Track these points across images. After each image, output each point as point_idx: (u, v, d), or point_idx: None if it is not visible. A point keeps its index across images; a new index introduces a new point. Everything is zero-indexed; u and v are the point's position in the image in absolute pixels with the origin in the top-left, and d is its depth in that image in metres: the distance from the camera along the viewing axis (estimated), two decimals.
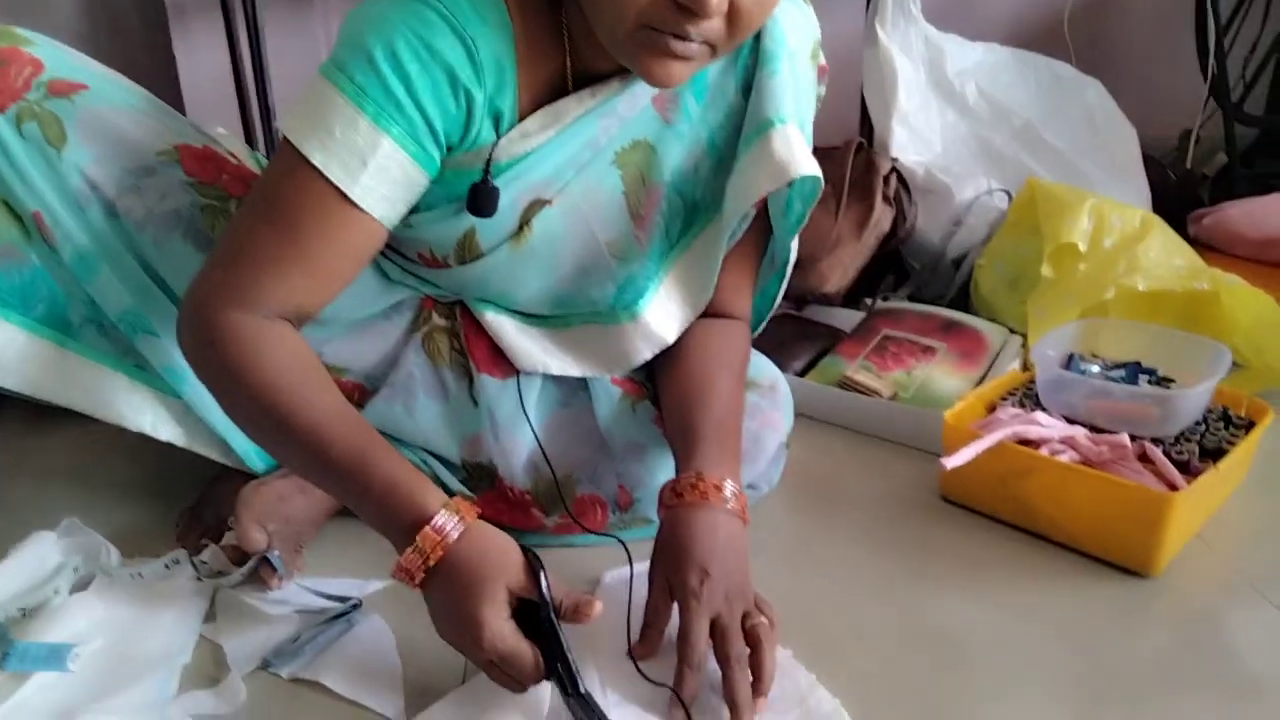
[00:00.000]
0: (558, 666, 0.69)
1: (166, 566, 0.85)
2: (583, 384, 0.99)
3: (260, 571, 0.85)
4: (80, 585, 0.84)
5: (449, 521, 0.70)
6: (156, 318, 0.89)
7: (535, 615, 0.69)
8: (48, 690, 0.73)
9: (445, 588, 0.70)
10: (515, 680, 0.70)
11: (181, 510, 0.97)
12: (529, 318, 0.98)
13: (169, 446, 0.93)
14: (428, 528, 0.70)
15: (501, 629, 0.68)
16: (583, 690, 0.69)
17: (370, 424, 0.76)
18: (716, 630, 0.75)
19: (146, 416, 0.92)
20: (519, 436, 0.96)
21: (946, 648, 0.81)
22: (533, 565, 0.71)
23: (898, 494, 1.06)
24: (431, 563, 0.69)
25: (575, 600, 0.71)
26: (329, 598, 0.85)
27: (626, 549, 0.87)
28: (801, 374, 1.26)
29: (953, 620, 0.85)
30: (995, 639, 0.82)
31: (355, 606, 0.84)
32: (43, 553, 0.85)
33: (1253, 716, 0.74)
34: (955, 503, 1.03)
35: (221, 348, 0.74)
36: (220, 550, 0.87)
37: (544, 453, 0.95)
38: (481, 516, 0.96)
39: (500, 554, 0.71)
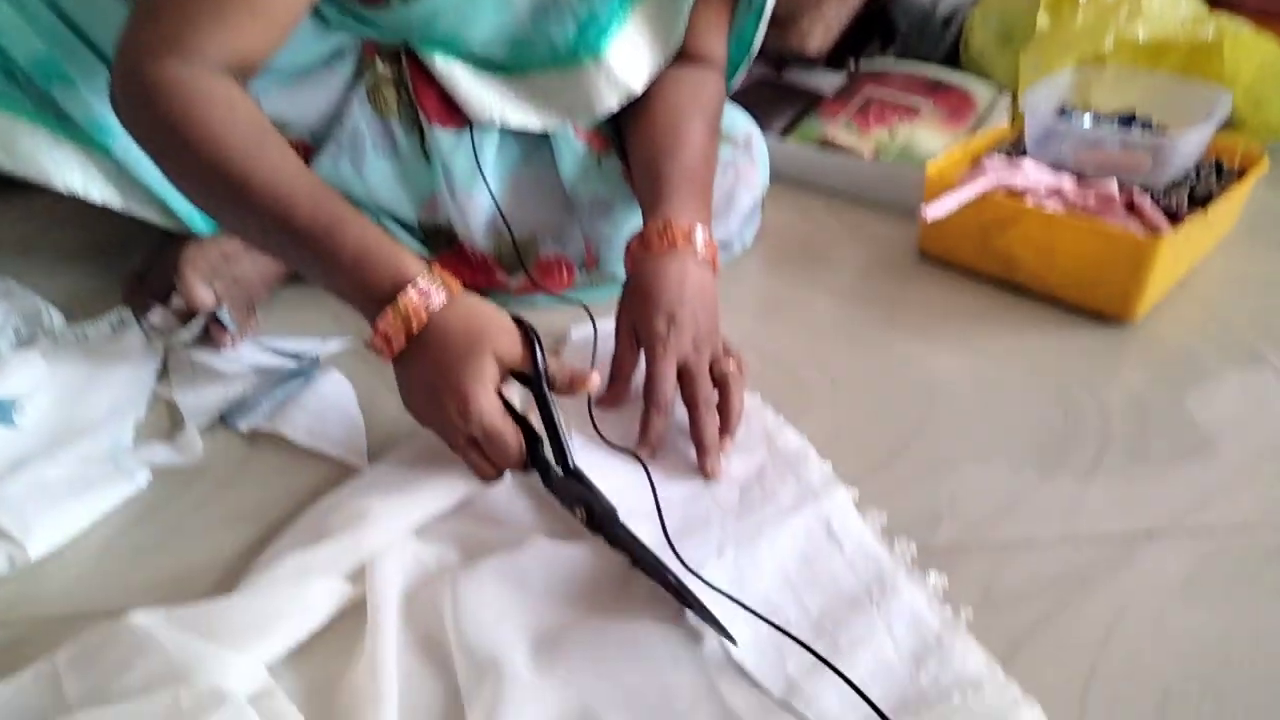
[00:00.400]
0: (540, 451, 0.64)
1: (112, 327, 0.82)
2: (545, 139, 0.92)
3: (211, 330, 0.82)
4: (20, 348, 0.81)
5: (431, 285, 0.64)
6: (73, 65, 0.81)
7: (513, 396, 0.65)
8: None
9: (426, 357, 0.63)
10: (491, 465, 0.65)
11: (126, 274, 0.93)
12: (483, 64, 0.90)
13: (114, 215, 0.87)
14: (410, 289, 0.63)
15: (490, 403, 0.62)
16: (572, 466, 0.64)
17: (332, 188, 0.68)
18: (684, 375, 0.73)
19: (75, 175, 0.85)
20: (477, 196, 0.90)
21: (919, 394, 0.80)
22: (527, 334, 0.65)
23: (876, 254, 1.03)
24: (414, 328, 0.63)
25: (570, 373, 0.67)
26: (285, 355, 0.82)
27: (589, 312, 0.84)
28: (781, 137, 1.20)
29: (927, 369, 0.83)
30: (969, 387, 0.81)
31: (313, 363, 0.81)
32: None
33: (1216, 462, 0.73)
34: (934, 259, 1.00)
35: (164, 106, 0.64)
36: (169, 312, 0.84)
37: (502, 214, 0.90)
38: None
39: (490, 322, 0.64)
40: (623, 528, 0.61)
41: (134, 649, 0.49)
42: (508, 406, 0.64)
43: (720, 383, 0.73)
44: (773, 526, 0.65)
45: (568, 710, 0.51)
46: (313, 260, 0.66)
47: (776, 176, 1.12)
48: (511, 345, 0.64)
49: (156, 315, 0.83)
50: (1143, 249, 0.84)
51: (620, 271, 0.91)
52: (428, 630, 0.56)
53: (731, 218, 0.97)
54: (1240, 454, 0.73)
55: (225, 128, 0.65)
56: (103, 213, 0.87)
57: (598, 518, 0.62)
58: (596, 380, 0.67)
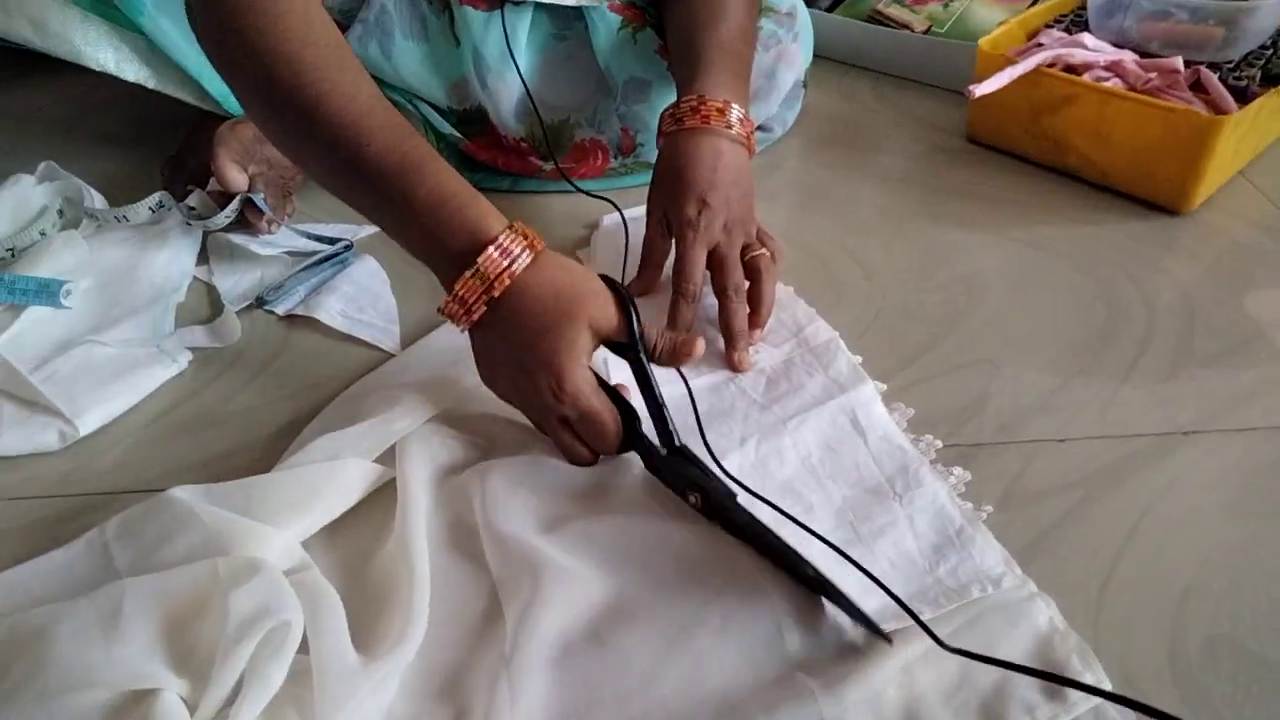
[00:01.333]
0: (639, 429, 0.58)
1: (151, 210, 0.83)
2: (578, 13, 0.89)
3: (246, 214, 0.82)
4: (65, 230, 0.83)
5: (516, 244, 0.56)
6: None
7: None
8: (43, 325, 0.73)
9: (511, 326, 0.57)
10: (586, 448, 0.60)
11: (165, 158, 0.93)
12: None
13: (153, 99, 0.87)
14: (491, 248, 0.56)
15: (586, 380, 0.57)
16: (678, 444, 0.58)
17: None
18: (714, 261, 0.72)
19: (108, 53, 0.85)
20: (509, 79, 0.88)
21: (957, 288, 0.78)
22: (621, 297, 0.58)
23: (923, 138, 0.99)
24: (496, 292, 0.56)
25: (671, 341, 0.61)
26: (321, 239, 0.83)
27: (618, 208, 0.82)
28: (828, 12, 1.14)
29: (968, 261, 0.81)
30: (1009, 280, 0.79)
31: (348, 248, 0.82)
32: (23, 194, 0.83)
33: (1261, 362, 0.71)
34: (984, 143, 0.96)
35: (239, 18, 0.58)
36: (206, 195, 0.84)
37: (531, 99, 0.88)
38: (476, 160, 0.94)
39: (582, 285, 0.58)
40: (744, 511, 0.54)
41: (175, 522, 0.51)
42: (600, 380, 0.58)
43: (752, 270, 0.72)
44: (797, 417, 0.65)
45: (606, 597, 0.52)
46: (383, 204, 0.59)
47: (821, 54, 1.08)
48: (606, 311, 0.58)
49: (194, 198, 0.84)
50: (1203, 129, 0.79)
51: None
52: (458, 514, 0.58)
53: (772, 98, 0.94)
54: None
55: (301, 43, 0.58)
56: (141, 95, 0.87)
57: (714, 502, 0.55)
58: (702, 345, 0.61)
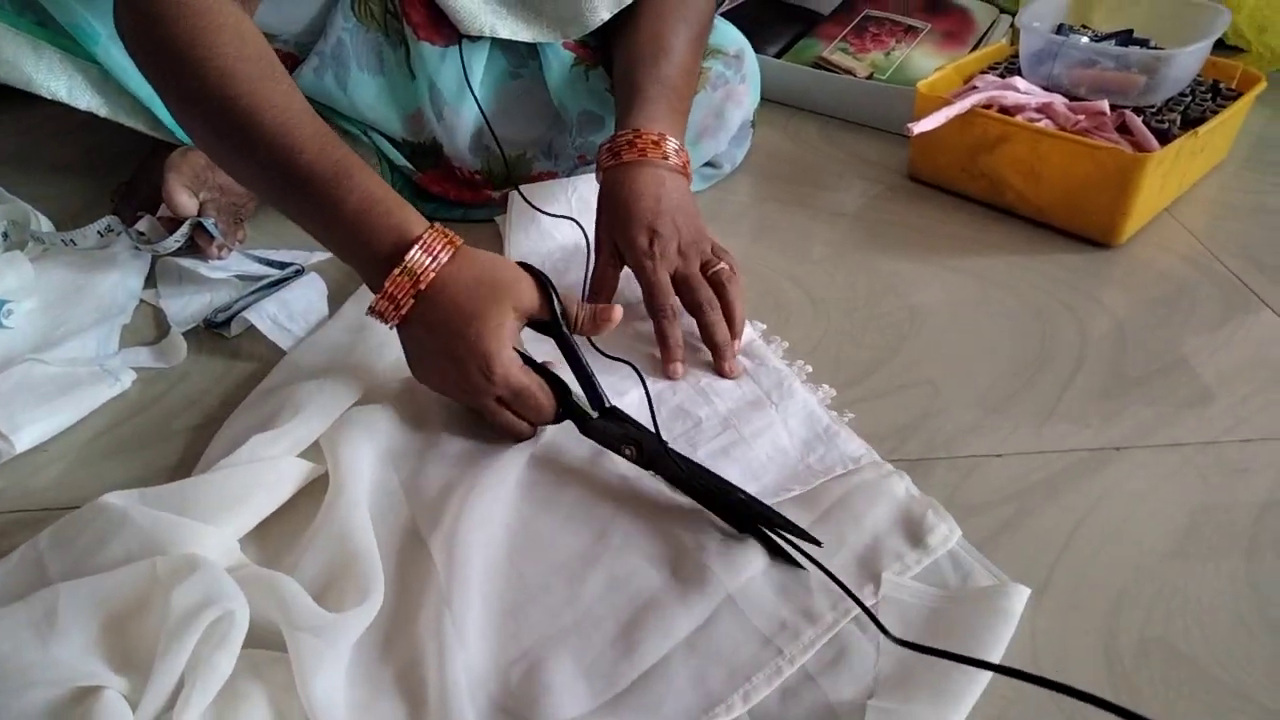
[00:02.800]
0: (571, 398, 0.62)
1: (100, 234, 0.82)
2: (532, 51, 0.92)
3: (197, 239, 0.82)
4: (10, 252, 0.82)
5: (437, 242, 0.60)
6: None
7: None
8: None
9: (438, 318, 0.59)
10: (522, 423, 0.63)
11: (116, 185, 0.93)
12: None
13: (106, 129, 0.87)
14: (415, 248, 0.59)
15: (513, 360, 0.60)
16: (608, 405, 0.62)
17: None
18: (678, 283, 0.73)
19: (60, 82, 0.85)
20: (464, 112, 0.90)
21: (900, 315, 0.80)
22: (541, 280, 0.62)
23: (866, 176, 1.03)
24: (422, 286, 0.59)
25: (590, 310, 0.65)
26: (272, 264, 0.83)
27: (582, 227, 0.84)
28: (776, 58, 1.18)
29: (910, 290, 0.83)
30: (950, 307, 0.81)
31: (299, 272, 0.82)
32: None
33: (1190, 384, 0.74)
34: (924, 182, 1.00)
35: (170, 28, 0.61)
36: (156, 221, 0.84)
37: (493, 132, 0.89)
38: (428, 192, 0.95)
39: (502, 272, 0.61)
40: (678, 456, 0.59)
41: (109, 527, 0.50)
42: (526, 359, 0.62)
43: (716, 285, 0.74)
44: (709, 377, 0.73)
45: (518, 529, 0.58)
46: (313, 209, 0.61)
47: (769, 98, 1.11)
48: (528, 294, 0.61)
49: (144, 223, 0.83)
50: (1128, 166, 0.83)
51: None
52: (390, 493, 0.60)
53: (721, 135, 0.96)
54: (1213, 376, 0.73)
55: (233, 57, 0.61)
56: (95, 125, 0.87)
57: (648, 452, 0.60)
58: (619, 312, 0.65)
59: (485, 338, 0.59)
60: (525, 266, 0.63)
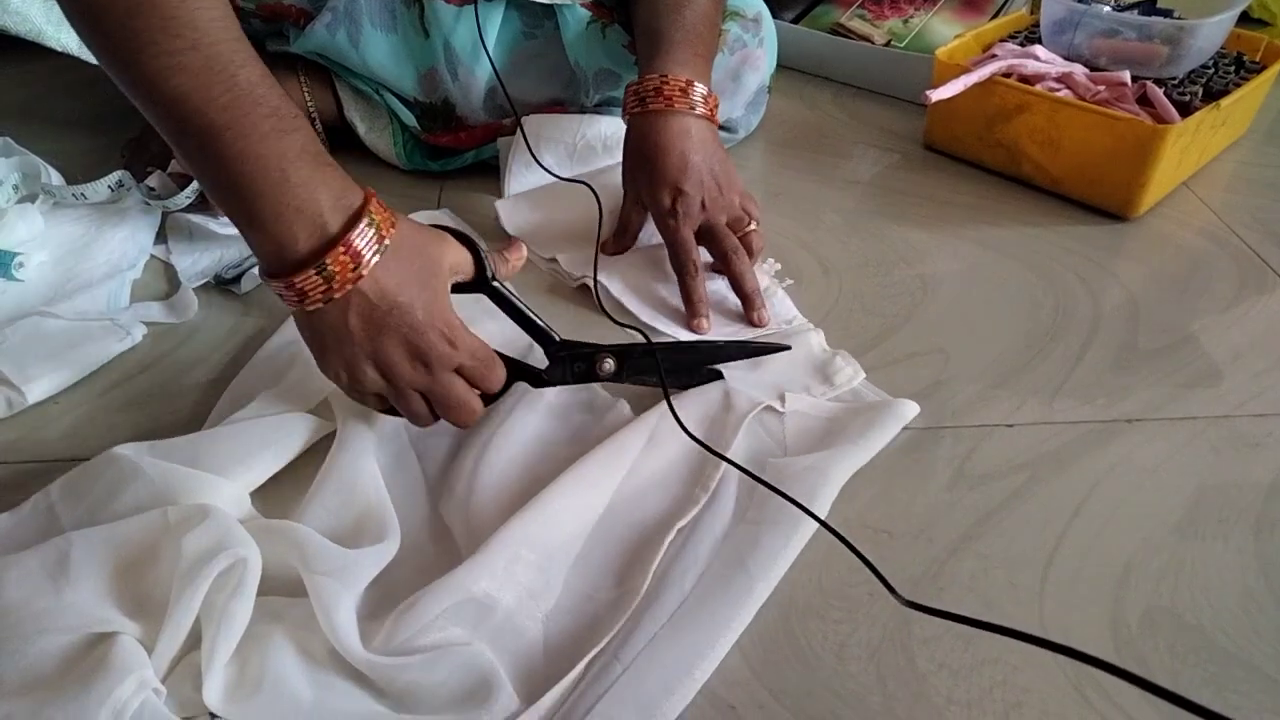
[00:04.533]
0: (514, 361, 0.60)
1: (110, 189, 0.82)
2: (548, 11, 0.90)
3: (207, 196, 0.81)
4: (21, 204, 0.82)
5: (364, 240, 0.51)
6: None
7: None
8: None
9: (386, 295, 0.52)
10: (474, 398, 0.58)
11: (126, 140, 0.93)
12: None
13: (113, 83, 0.86)
14: (362, 221, 0.51)
15: (458, 323, 0.56)
16: (559, 340, 0.62)
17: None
18: (704, 237, 0.74)
19: (70, 35, 0.84)
20: (479, 72, 0.89)
21: (912, 284, 0.80)
22: (467, 240, 0.58)
23: (882, 145, 1.01)
24: (387, 240, 0.51)
25: (498, 253, 0.65)
26: None
27: (592, 188, 0.83)
28: (793, 23, 1.17)
29: (923, 260, 0.83)
30: (962, 277, 0.81)
31: None
32: None
33: (1203, 357, 0.73)
34: (940, 151, 0.99)
35: None
36: (167, 177, 0.84)
37: (506, 92, 0.89)
38: (438, 146, 0.94)
39: (434, 244, 0.56)
40: (654, 348, 0.63)
41: (120, 478, 0.50)
42: None
43: (746, 242, 0.75)
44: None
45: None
46: (213, 165, 0.49)
47: (785, 64, 1.10)
48: (460, 257, 0.58)
49: (154, 179, 0.83)
50: (1148, 138, 0.82)
51: None
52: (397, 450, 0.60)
53: (737, 100, 0.95)
54: (1227, 351, 0.73)
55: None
56: (105, 81, 0.86)
57: (627, 357, 0.62)
58: (524, 248, 0.70)
59: (443, 307, 0.55)
60: (446, 229, 0.58)
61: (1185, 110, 0.87)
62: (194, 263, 0.79)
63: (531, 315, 0.61)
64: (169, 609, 0.44)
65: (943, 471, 0.61)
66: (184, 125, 0.48)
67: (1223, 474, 0.62)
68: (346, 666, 0.46)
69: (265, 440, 0.55)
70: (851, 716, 0.47)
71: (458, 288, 0.59)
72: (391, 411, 0.58)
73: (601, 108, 0.92)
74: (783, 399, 0.64)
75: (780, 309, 0.75)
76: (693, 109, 0.74)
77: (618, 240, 0.80)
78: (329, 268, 0.50)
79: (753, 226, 0.77)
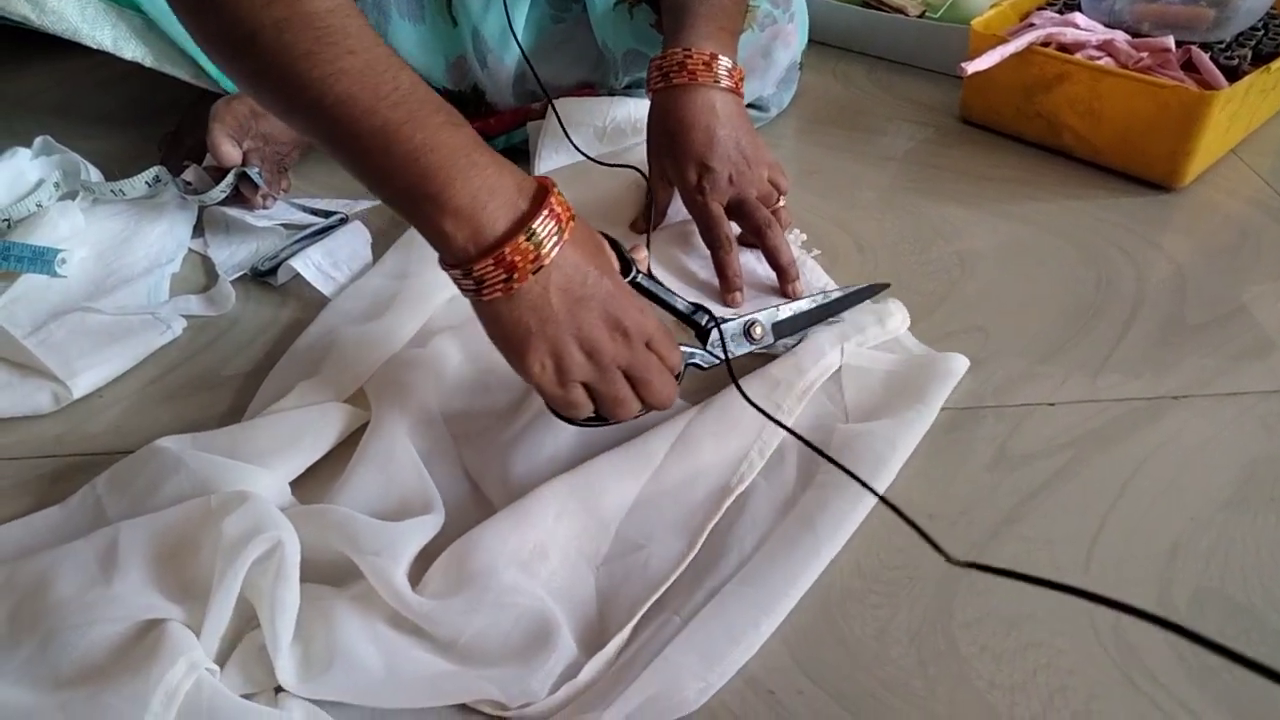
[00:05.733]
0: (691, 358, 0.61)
1: (148, 184, 0.83)
2: None
3: (242, 189, 0.82)
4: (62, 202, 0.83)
5: (546, 233, 0.50)
6: None
7: None
8: (39, 292, 0.74)
9: (569, 274, 0.50)
10: (660, 373, 0.55)
11: (162, 135, 0.94)
12: None
13: (151, 79, 0.87)
14: (552, 198, 0.50)
15: (642, 316, 0.53)
16: (718, 317, 0.63)
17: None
18: (734, 210, 0.73)
19: (105, 32, 0.85)
20: (507, 59, 0.89)
21: (950, 261, 0.78)
22: (613, 242, 0.58)
23: (917, 119, 1.00)
24: (567, 234, 0.50)
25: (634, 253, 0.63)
26: (317, 212, 0.83)
27: (637, 168, 0.83)
28: None
29: (961, 235, 0.81)
30: (1002, 253, 0.79)
31: (343, 221, 0.82)
32: (19, 167, 0.83)
33: (1251, 332, 0.71)
34: (976, 124, 0.97)
35: None
36: (203, 171, 0.84)
37: (537, 77, 0.88)
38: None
39: (594, 236, 0.55)
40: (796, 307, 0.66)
41: (163, 470, 0.52)
42: None
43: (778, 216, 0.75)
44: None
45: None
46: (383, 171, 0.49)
47: (816, 39, 1.08)
48: (612, 253, 0.57)
49: (190, 173, 0.84)
50: (1194, 105, 0.80)
51: None
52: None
53: (769, 76, 0.94)
54: (1277, 324, 0.71)
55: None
56: (140, 75, 0.88)
57: (769, 325, 0.65)
58: (644, 253, 0.71)
59: (623, 291, 0.53)
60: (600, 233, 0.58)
61: (1233, 75, 0.85)
62: (231, 255, 0.80)
63: (680, 299, 0.62)
64: (212, 592, 0.45)
65: (984, 452, 0.61)
66: (355, 128, 0.47)
67: (1273, 450, 0.60)
68: (411, 632, 0.48)
69: (303, 430, 0.56)
70: (893, 701, 0.47)
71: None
72: (593, 421, 0.55)
73: (631, 90, 0.91)
74: (842, 350, 0.65)
75: (813, 279, 0.75)
76: (717, 82, 0.73)
77: (646, 218, 0.79)
78: (538, 234, 0.49)
79: (782, 202, 0.76)
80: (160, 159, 0.91)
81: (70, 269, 0.76)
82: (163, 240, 0.80)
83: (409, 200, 0.49)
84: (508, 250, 0.48)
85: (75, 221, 0.78)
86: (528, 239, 0.48)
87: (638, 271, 0.60)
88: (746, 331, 0.65)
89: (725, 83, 0.73)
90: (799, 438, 0.55)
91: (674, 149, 0.73)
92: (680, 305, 0.63)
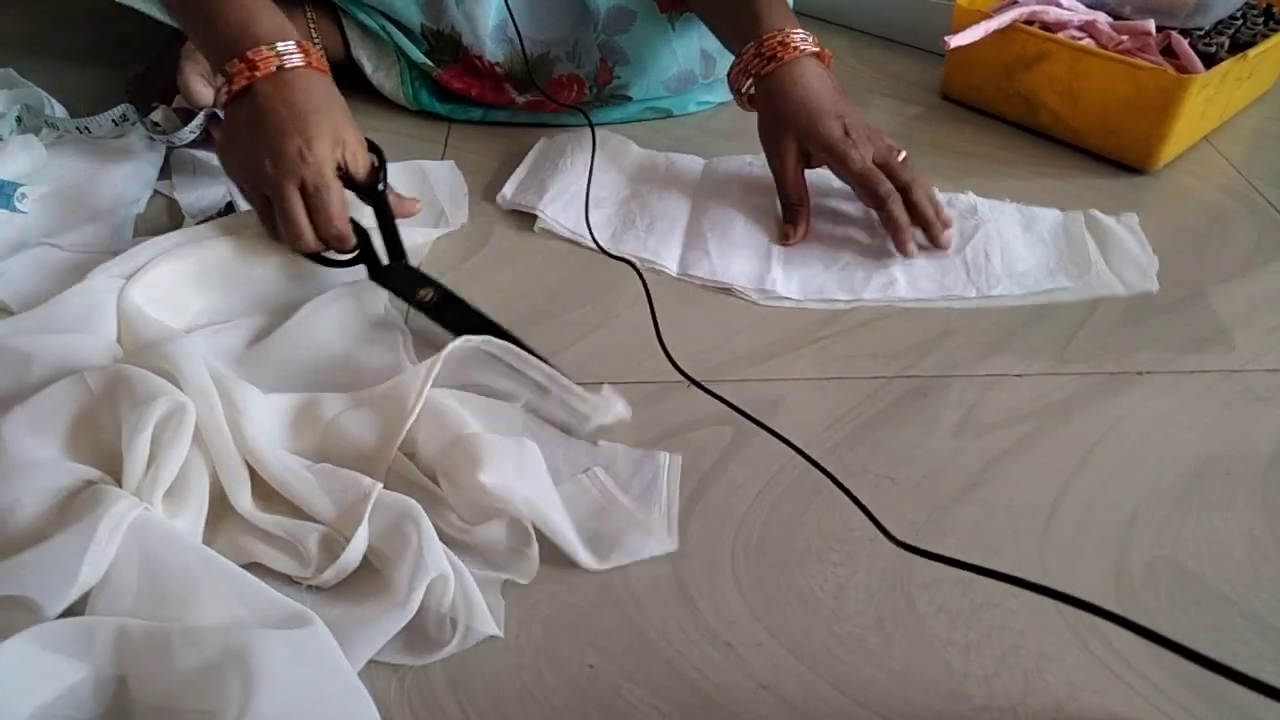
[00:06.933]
0: (369, 244, 0.67)
1: (115, 122, 0.81)
2: None
3: (212, 130, 0.81)
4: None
5: (288, 49, 0.65)
6: None
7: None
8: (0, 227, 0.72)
9: (280, 96, 0.63)
10: (306, 224, 0.64)
11: (131, 77, 0.92)
12: None
13: (112, 18, 0.85)
14: (310, 46, 0.66)
15: (330, 159, 0.63)
16: (408, 262, 0.68)
17: None
18: (880, 166, 0.73)
19: None
20: (486, 2, 0.87)
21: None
22: (375, 150, 0.68)
23: (897, 94, 1.00)
24: (286, 65, 0.64)
25: (399, 198, 0.72)
26: None
27: (593, 129, 0.82)
28: None
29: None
30: None
31: None
32: None
33: (1218, 312, 0.72)
34: (956, 101, 0.97)
35: None
36: (171, 112, 0.83)
37: (515, 23, 0.87)
38: (449, 90, 0.93)
39: (346, 113, 0.67)
40: (465, 305, 0.66)
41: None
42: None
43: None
44: None
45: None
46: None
47: (800, 11, 1.07)
48: (360, 143, 0.67)
49: (158, 114, 0.82)
50: (1170, 88, 0.80)
51: (631, 92, 0.89)
52: None
53: None
54: (1243, 305, 0.71)
55: None
56: (107, 13, 0.85)
57: (441, 295, 0.66)
58: (420, 206, 0.76)
59: (321, 127, 0.63)
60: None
61: (1210, 61, 0.85)
62: (198, 198, 0.78)
63: (395, 231, 0.67)
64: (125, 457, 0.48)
65: (949, 419, 0.61)
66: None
67: (1233, 427, 0.61)
68: None
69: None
70: (849, 657, 0.47)
71: (350, 185, 0.66)
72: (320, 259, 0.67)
73: (604, 49, 0.90)
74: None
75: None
76: (815, 50, 0.75)
77: (796, 224, 0.76)
78: (283, 52, 0.64)
79: (903, 155, 0.75)
80: (128, 100, 0.89)
81: (30, 204, 0.74)
82: (128, 181, 0.78)
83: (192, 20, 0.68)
84: (253, 54, 0.63)
85: (37, 156, 0.76)
86: (272, 52, 0.63)
87: (384, 187, 0.67)
88: (416, 290, 0.66)
89: (819, 50, 0.75)
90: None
91: (811, 112, 0.73)
92: (401, 243, 0.67)
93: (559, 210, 0.77)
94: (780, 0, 0.78)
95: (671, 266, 0.73)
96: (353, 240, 0.65)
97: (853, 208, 0.79)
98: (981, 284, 0.71)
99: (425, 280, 0.67)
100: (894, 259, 0.74)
